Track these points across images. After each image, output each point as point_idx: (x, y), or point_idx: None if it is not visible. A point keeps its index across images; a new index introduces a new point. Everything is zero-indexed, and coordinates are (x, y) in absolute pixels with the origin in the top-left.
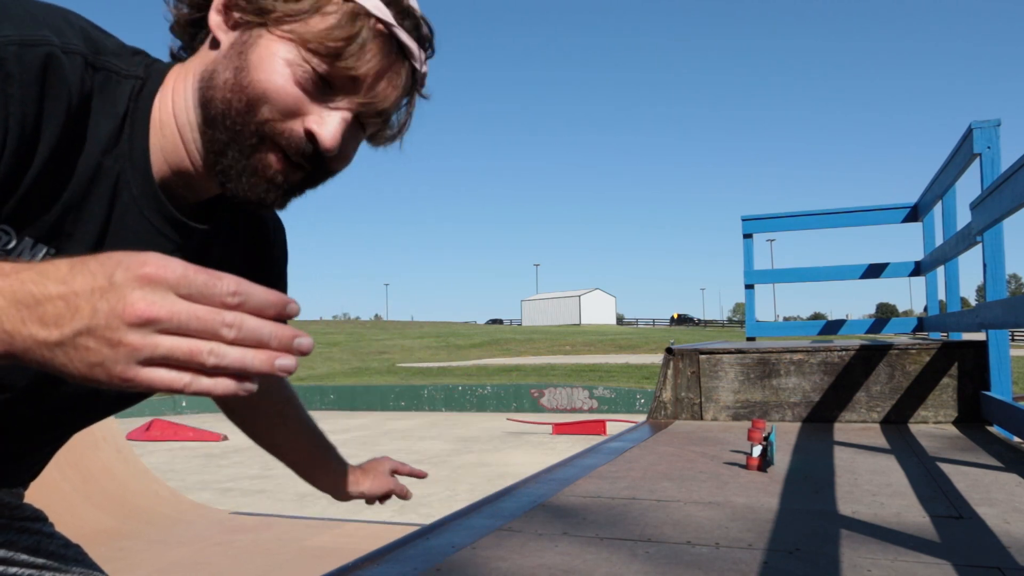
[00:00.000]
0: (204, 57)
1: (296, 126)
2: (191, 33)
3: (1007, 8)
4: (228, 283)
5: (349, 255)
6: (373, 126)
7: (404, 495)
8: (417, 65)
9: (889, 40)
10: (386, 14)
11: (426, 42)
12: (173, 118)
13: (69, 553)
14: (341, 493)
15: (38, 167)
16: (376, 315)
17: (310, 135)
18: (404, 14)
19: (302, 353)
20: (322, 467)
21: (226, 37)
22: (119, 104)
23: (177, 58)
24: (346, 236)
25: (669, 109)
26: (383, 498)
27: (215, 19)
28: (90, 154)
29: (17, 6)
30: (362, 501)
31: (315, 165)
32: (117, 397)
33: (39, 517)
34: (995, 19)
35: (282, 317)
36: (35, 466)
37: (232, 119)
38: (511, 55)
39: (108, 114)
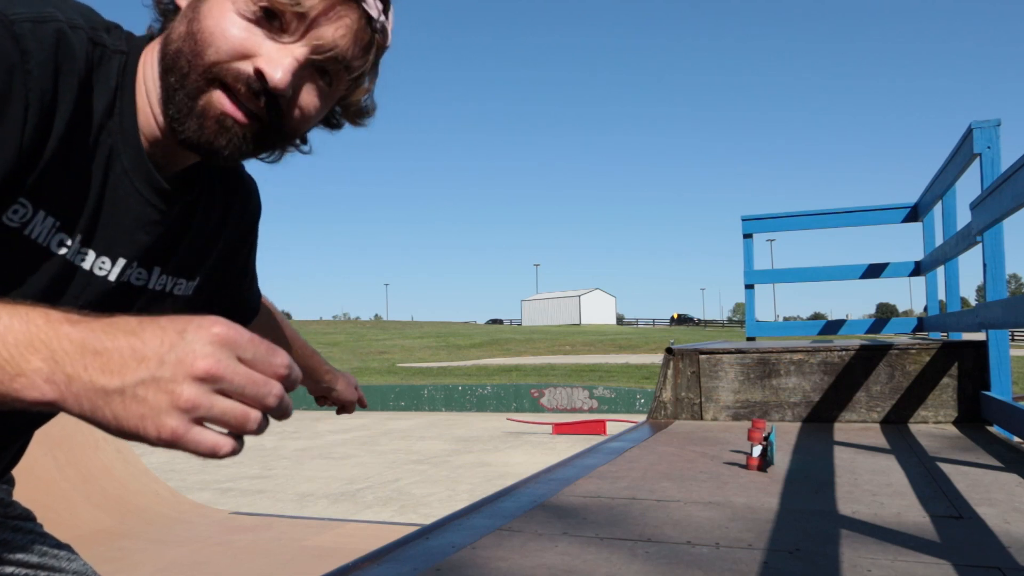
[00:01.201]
0: (170, 26)
1: (245, 65)
2: (167, 16)
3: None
4: (284, 357)
5: (349, 255)
6: (339, 81)
7: (363, 404)
8: (372, 13)
9: (889, 40)
10: None
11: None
12: (145, 89)
13: (61, 553)
14: (318, 381)
15: (55, 141)
16: (376, 315)
17: (259, 73)
18: None
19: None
20: (299, 354)
21: (185, 0)
22: (111, 79)
23: (151, 37)
24: (346, 236)
25: (669, 109)
26: (345, 406)
27: None
28: (92, 128)
29: None
30: (362, 500)
31: (270, 111)
32: None
33: (29, 516)
34: (995, 19)
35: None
36: (10, 454)
37: (180, 64)
38: (511, 55)
39: (104, 89)
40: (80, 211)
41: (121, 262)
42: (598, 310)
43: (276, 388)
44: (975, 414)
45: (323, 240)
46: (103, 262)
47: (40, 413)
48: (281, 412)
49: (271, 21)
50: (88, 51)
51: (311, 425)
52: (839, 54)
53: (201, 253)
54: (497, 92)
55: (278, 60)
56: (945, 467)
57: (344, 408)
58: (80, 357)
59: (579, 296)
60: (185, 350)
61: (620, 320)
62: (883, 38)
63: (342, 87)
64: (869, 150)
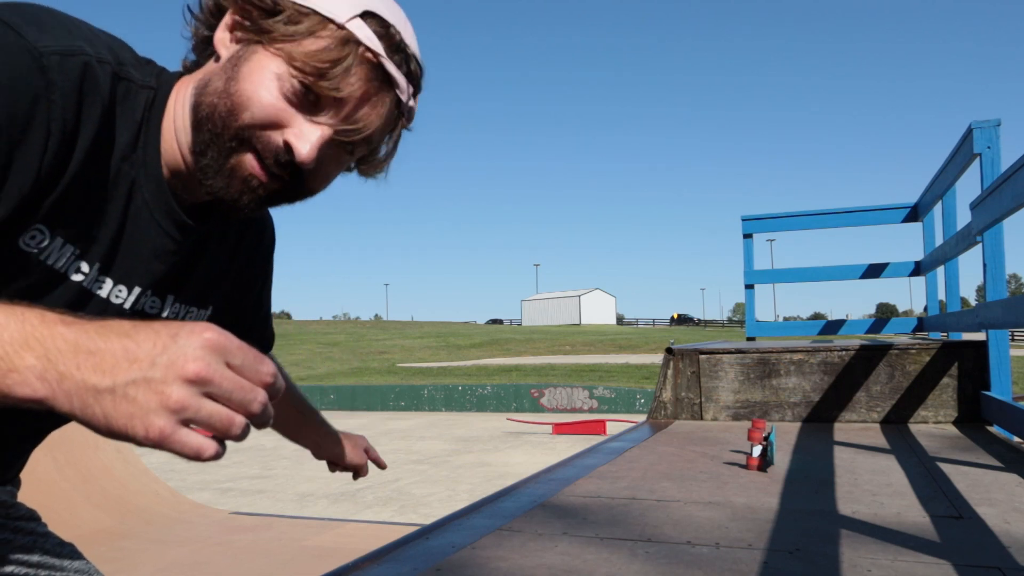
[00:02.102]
0: (206, 69)
1: (276, 136)
2: (203, 50)
3: (1007, 8)
4: (270, 365)
5: (349, 255)
6: (360, 152)
7: (379, 463)
8: (403, 97)
9: (890, 40)
10: (376, 44)
11: (414, 78)
12: (173, 124)
13: (64, 552)
14: (322, 450)
15: (74, 170)
16: (376, 315)
17: (288, 145)
18: (395, 48)
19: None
20: (307, 425)
21: (226, 51)
22: (137, 113)
23: (187, 70)
24: (346, 236)
25: (669, 109)
26: (354, 470)
27: (220, 35)
28: (114, 159)
29: (52, 19)
30: (362, 500)
31: (292, 177)
32: None
33: (33, 516)
34: (995, 19)
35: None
36: (21, 460)
37: (215, 121)
38: (512, 55)
39: (128, 122)
40: (99, 239)
41: (136, 290)
42: (598, 310)
43: (261, 395)
44: (975, 414)
45: (323, 240)
46: (120, 290)
47: (48, 421)
48: (263, 419)
49: (307, 97)
50: (112, 85)
51: None
52: (839, 54)
53: (215, 282)
54: (497, 92)
55: (307, 136)
56: (945, 467)
57: (357, 472)
58: (73, 356)
59: (579, 296)
60: (177, 353)
61: (620, 320)
62: (883, 38)
63: (361, 154)
64: (869, 150)
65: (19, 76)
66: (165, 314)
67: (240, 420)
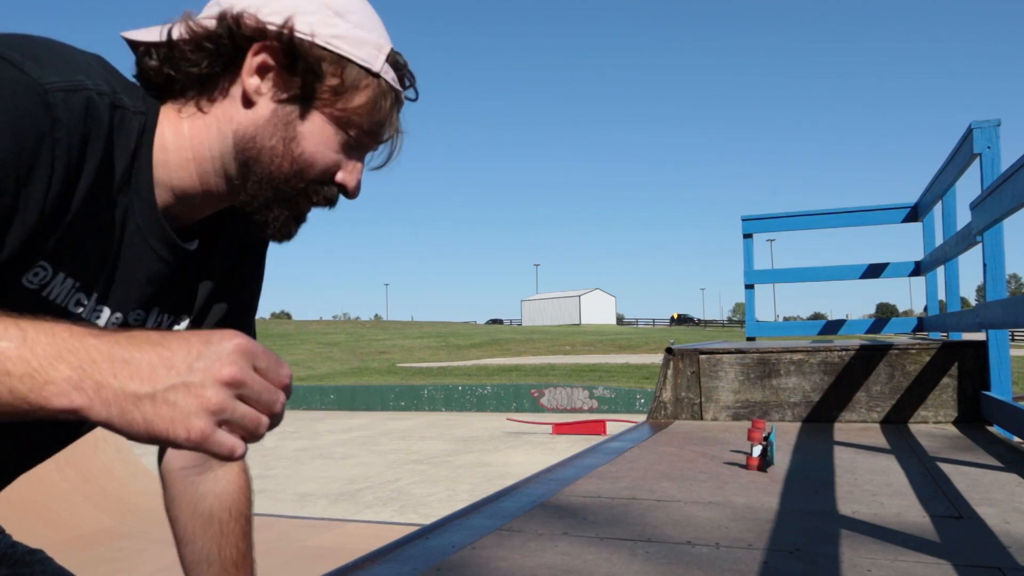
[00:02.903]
0: (231, 112)
1: (331, 185)
2: (203, 81)
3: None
4: (287, 368)
5: (349, 255)
6: (374, 157)
7: None
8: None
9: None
10: (399, 84)
11: (414, 93)
12: (164, 147)
13: (34, 559)
14: None
15: (77, 206)
16: (376, 315)
17: (340, 186)
18: (408, 78)
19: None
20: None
21: (266, 104)
22: (131, 140)
23: (167, 92)
24: (346, 236)
25: (669, 109)
26: None
27: (252, 83)
28: (112, 190)
29: (48, 53)
30: (362, 500)
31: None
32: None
33: (1, 532)
34: (995, 19)
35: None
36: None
37: (279, 180)
38: (512, 55)
39: (123, 150)
40: (97, 271)
41: (130, 313)
42: (598, 310)
43: (282, 396)
44: (975, 414)
45: (323, 240)
46: (116, 317)
47: (65, 436)
48: (279, 420)
49: (357, 142)
50: (111, 116)
51: (311, 425)
52: (839, 54)
53: (200, 291)
54: (497, 92)
55: (354, 176)
56: (945, 467)
57: None
58: (109, 365)
59: (579, 296)
60: (212, 358)
61: (620, 320)
62: (883, 38)
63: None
64: (869, 150)
65: (24, 114)
66: (149, 325)
67: (266, 420)
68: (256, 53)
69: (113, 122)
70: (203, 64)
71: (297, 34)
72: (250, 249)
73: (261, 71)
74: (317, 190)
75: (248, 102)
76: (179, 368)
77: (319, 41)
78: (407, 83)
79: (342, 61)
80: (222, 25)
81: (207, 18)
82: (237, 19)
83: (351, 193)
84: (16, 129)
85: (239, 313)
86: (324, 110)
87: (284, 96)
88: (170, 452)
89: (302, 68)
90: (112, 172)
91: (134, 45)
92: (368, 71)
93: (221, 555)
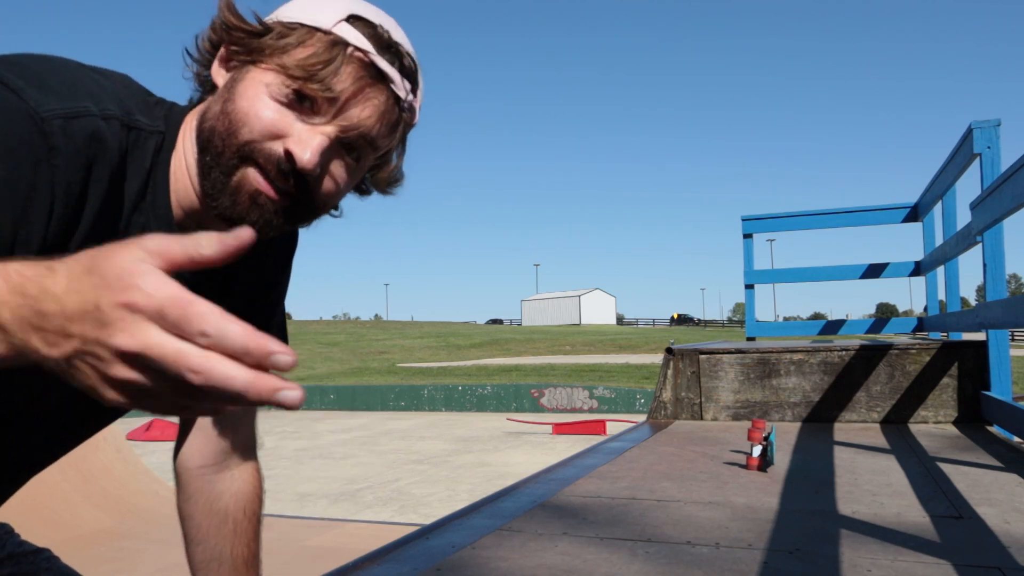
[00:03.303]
0: (207, 101)
1: (276, 146)
2: (206, 89)
3: (1007, 8)
4: (201, 322)
5: (349, 255)
6: (366, 156)
7: None
8: (400, 93)
9: (889, 40)
10: (364, 43)
11: (409, 73)
12: (184, 161)
13: (40, 558)
14: None
15: (84, 232)
16: (376, 315)
17: (288, 153)
18: (384, 46)
19: (283, 406)
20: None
21: (222, 79)
22: (146, 159)
23: (192, 106)
24: (346, 236)
25: (669, 109)
26: None
27: (215, 69)
28: (124, 212)
29: (55, 77)
30: (362, 500)
31: (300, 189)
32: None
33: (9, 531)
34: (995, 19)
35: (263, 367)
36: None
37: (215, 142)
38: (512, 55)
39: (137, 172)
40: None
41: None
42: (598, 310)
43: (192, 361)
44: (975, 414)
45: (323, 240)
46: None
47: (61, 447)
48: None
49: (302, 103)
50: (121, 139)
51: (311, 425)
52: (839, 54)
53: (224, 304)
54: (497, 92)
55: (307, 141)
56: (945, 467)
57: None
58: (23, 326)
59: (579, 296)
60: (100, 324)
61: (620, 320)
62: (883, 38)
63: (369, 162)
64: (869, 150)
65: (20, 143)
66: None
67: (185, 389)
68: (226, 45)
69: (126, 144)
70: (199, 69)
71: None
72: (273, 257)
73: (225, 58)
74: (256, 151)
75: (214, 86)
76: (74, 336)
77: (268, 18)
78: (389, 56)
79: (291, 24)
80: (204, 31)
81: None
82: (214, 23)
83: (301, 160)
84: (11, 158)
85: (260, 322)
86: (262, 66)
87: (232, 66)
88: (188, 450)
89: (246, 34)
90: (123, 194)
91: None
92: (316, 28)
93: (233, 554)
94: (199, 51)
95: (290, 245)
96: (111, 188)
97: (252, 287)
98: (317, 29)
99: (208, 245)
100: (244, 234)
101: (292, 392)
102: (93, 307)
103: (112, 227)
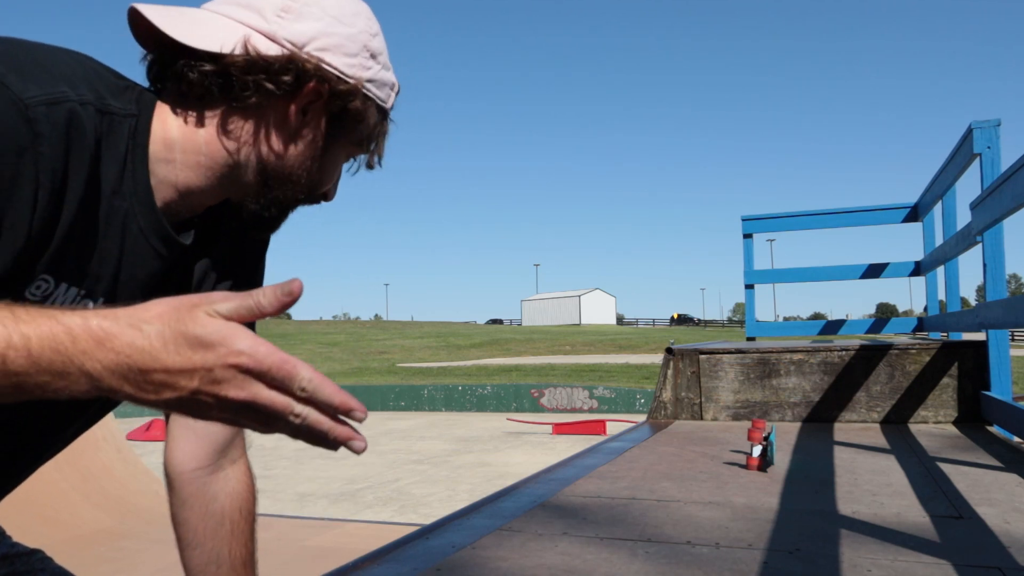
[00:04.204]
0: (262, 133)
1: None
2: (218, 85)
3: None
4: (302, 377)
5: (349, 255)
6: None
7: None
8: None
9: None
10: (388, 107)
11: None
12: (162, 145)
13: (34, 559)
14: None
15: (68, 217)
16: (376, 315)
17: (326, 195)
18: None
19: (352, 450)
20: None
21: (302, 133)
22: (121, 144)
23: (165, 89)
24: (346, 236)
25: (669, 109)
26: None
27: (295, 114)
28: (104, 197)
29: (31, 60)
30: (362, 500)
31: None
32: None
33: (1, 533)
34: (995, 19)
35: (344, 413)
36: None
37: (291, 191)
38: (512, 55)
39: (114, 155)
40: (102, 277)
41: None
42: (598, 310)
43: (296, 408)
44: (975, 414)
45: (323, 240)
46: None
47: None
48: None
49: None
50: (96, 124)
51: None
52: (839, 54)
53: (203, 287)
54: (497, 92)
55: (337, 183)
56: (945, 467)
57: None
58: (114, 378)
59: (579, 296)
60: (211, 380)
61: (620, 320)
62: (883, 38)
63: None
64: (869, 150)
65: (5, 131)
66: None
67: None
68: (308, 91)
69: (100, 130)
70: (256, 96)
71: (343, 77)
72: (250, 249)
73: (307, 106)
74: (317, 197)
75: (285, 129)
76: (181, 387)
77: (359, 86)
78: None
79: (368, 101)
80: (290, 65)
81: (266, 41)
82: (303, 64)
83: (330, 199)
84: None
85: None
86: (342, 141)
87: (319, 129)
88: (180, 454)
89: (342, 109)
90: (101, 180)
91: (159, 40)
92: (382, 109)
93: (231, 555)
94: (270, 68)
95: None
96: (90, 174)
97: (242, 270)
98: (381, 109)
99: (268, 303)
100: (295, 287)
101: (360, 442)
102: (203, 368)
103: (93, 213)
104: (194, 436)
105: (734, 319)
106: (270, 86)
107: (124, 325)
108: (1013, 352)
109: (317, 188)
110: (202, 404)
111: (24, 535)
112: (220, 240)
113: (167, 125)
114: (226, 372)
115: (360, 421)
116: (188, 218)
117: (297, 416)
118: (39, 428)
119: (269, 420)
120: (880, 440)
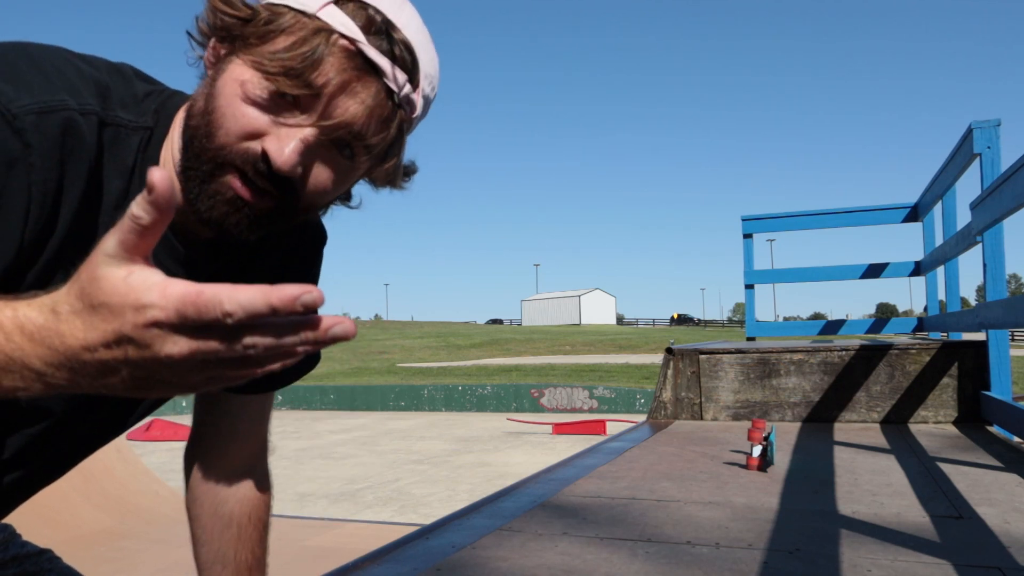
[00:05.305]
0: (197, 90)
1: (254, 145)
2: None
3: (1007, 8)
4: (221, 301)
5: (349, 255)
6: (359, 155)
7: None
8: (392, 85)
9: (890, 40)
10: (351, 29)
11: (402, 63)
12: (172, 158)
13: (43, 558)
14: None
15: (62, 231)
16: (376, 315)
17: (264, 154)
18: (377, 33)
19: (340, 339)
20: None
21: (210, 70)
22: (128, 158)
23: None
24: (346, 236)
25: (669, 109)
26: None
27: (207, 56)
28: (105, 211)
29: (31, 69)
30: (362, 500)
31: (282, 191)
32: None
33: (12, 533)
34: (995, 19)
35: (291, 312)
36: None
37: (195, 145)
38: (512, 55)
39: (118, 170)
40: None
41: None
42: (598, 310)
43: (246, 340)
44: (975, 414)
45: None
46: None
47: (88, 450)
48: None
49: (283, 98)
50: (98, 136)
51: (311, 425)
52: (839, 54)
53: None
54: (497, 92)
55: (284, 142)
56: (945, 467)
57: None
58: (57, 370)
59: (579, 296)
60: (139, 348)
61: (620, 320)
62: (884, 38)
63: (364, 160)
64: (869, 150)
65: None
66: None
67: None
68: (219, 29)
69: (102, 140)
70: (202, 54)
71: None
72: (299, 255)
73: (213, 45)
74: (234, 153)
75: (205, 76)
76: (121, 370)
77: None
78: (383, 46)
79: (279, 8)
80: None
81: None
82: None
83: (276, 162)
84: None
85: None
86: (243, 58)
87: (220, 55)
88: (198, 452)
89: (233, 19)
90: (103, 192)
91: None
92: (302, 12)
93: (236, 559)
94: (200, 34)
95: (315, 237)
96: (89, 186)
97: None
98: (303, 13)
99: (141, 213)
100: (155, 178)
101: (342, 325)
102: (119, 335)
103: (91, 227)
104: (213, 436)
105: (734, 319)
106: (198, 40)
107: (47, 311)
108: (1013, 352)
109: (219, 124)
110: (154, 376)
111: (25, 535)
112: (263, 258)
113: (175, 134)
114: (144, 333)
115: (317, 303)
116: (214, 238)
117: (250, 347)
118: (105, 423)
119: (237, 364)
120: (880, 440)
